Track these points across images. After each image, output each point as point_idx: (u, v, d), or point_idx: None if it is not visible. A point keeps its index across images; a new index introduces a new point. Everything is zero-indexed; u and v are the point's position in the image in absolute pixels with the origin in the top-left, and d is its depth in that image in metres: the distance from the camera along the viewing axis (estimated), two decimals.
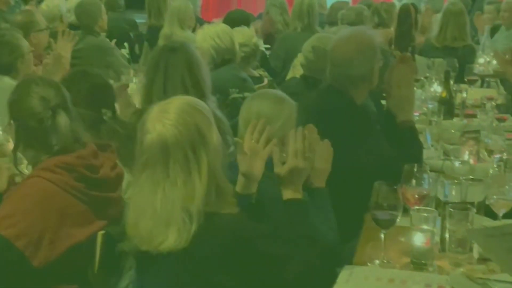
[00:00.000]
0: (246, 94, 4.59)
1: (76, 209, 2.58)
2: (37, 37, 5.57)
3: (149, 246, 2.26)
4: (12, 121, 2.67)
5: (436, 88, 5.12)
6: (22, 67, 4.70)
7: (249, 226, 2.34)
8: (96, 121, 3.18)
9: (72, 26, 6.69)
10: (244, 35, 5.20)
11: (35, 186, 2.55)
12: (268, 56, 6.98)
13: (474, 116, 4.68)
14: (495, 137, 3.82)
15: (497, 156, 3.53)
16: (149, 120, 2.30)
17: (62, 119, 2.63)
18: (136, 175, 2.34)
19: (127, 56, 7.47)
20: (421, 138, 3.65)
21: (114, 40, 6.74)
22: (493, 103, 4.61)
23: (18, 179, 2.80)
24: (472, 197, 2.76)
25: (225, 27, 5.14)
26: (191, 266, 2.26)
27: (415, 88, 4.02)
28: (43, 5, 7.07)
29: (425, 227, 2.53)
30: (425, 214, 2.56)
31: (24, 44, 4.76)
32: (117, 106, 3.42)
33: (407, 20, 7.17)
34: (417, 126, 3.66)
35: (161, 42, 6.59)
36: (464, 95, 4.92)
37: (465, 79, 5.64)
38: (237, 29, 5.32)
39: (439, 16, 6.91)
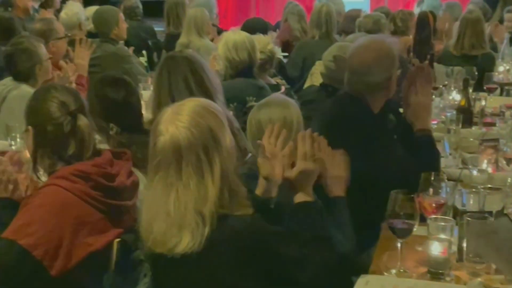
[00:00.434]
0: None
1: (93, 218, 2.56)
2: (56, 45, 5.59)
3: (163, 249, 2.25)
4: (30, 127, 2.65)
5: (455, 96, 5.11)
6: (40, 75, 4.74)
7: (264, 227, 2.32)
8: (105, 133, 3.26)
9: (90, 34, 6.73)
10: (260, 42, 5.20)
11: (52, 195, 2.53)
12: (285, 64, 6.98)
13: (493, 124, 4.65)
14: None
15: None
16: (162, 122, 2.29)
17: (82, 124, 2.62)
18: (149, 177, 2.33)
19: (145, 64, 7.49)
20: (439, 147, 3.63)
21: (132, 48, 6.76)
22: None
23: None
24: (490, 206, 2.74)
25: (246, 36, 5.13)
26: (206, 268, 2.25)
27: (433, 96, 4.00)
28: (63, 13, 7.12)
29: (442, 236, 2.52)
30: (442, 223, 2.55)
31: (43, 51, 4.79)
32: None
33: (425, 28, 7.16)
34: (435, 134, 3.65)
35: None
36: (483, 103, 4.90)
37: (484, 87, 5.61)
38: (253, 36, 5.32)
39: (457, 24, 6.88)
